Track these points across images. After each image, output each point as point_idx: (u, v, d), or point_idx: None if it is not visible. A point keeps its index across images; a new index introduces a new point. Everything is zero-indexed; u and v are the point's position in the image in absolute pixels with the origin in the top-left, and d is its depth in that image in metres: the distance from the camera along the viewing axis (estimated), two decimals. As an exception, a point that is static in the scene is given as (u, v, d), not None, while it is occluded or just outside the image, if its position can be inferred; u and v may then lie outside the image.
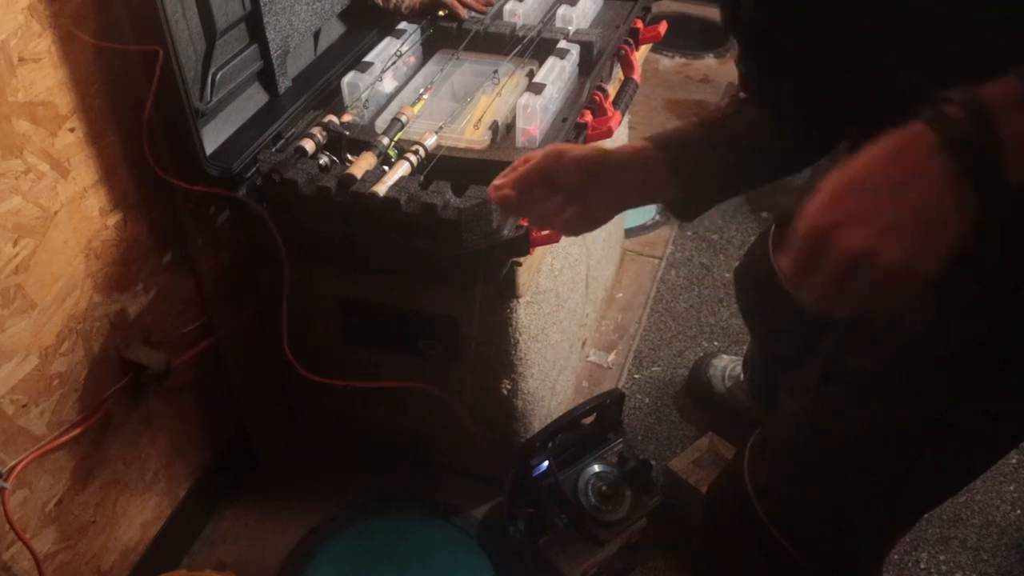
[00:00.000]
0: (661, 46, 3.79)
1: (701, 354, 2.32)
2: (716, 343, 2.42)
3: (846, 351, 1.18)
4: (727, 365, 2.19)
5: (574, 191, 1.15)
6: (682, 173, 1.18)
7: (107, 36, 1.39)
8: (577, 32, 1.84)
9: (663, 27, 2.03)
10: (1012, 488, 2.11)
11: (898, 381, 1.12)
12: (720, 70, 3.68)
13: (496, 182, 1.17)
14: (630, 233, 2.74)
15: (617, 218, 2.25)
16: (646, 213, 2.87)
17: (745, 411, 2.09)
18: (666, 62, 3.77)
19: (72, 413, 1.51)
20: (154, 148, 1.49)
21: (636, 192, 1.19)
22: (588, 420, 1.83)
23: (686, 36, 3.92)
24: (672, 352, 2.39)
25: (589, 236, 2.09)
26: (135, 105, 1.46)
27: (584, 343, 2.29)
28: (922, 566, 1.92)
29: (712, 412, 2.17)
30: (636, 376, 2.32)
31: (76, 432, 1.50)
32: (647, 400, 2.25)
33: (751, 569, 1.29)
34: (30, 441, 1.43)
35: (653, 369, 2.34)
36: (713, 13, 3.96)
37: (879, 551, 1.30)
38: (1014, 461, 2.17)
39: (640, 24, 1.99)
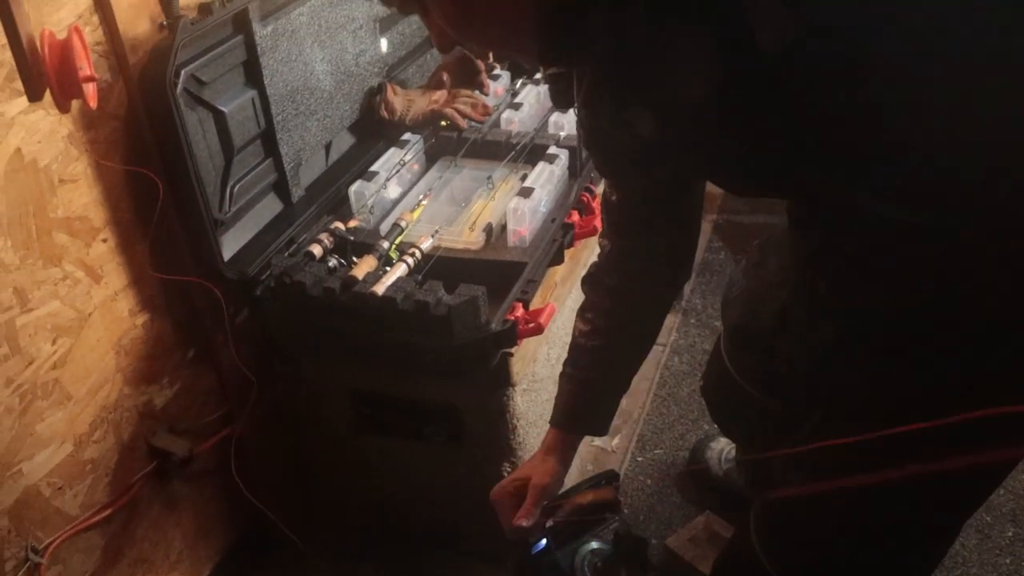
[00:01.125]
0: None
1: (701, 436, 2.42)
2: (717, 426, 2.51)
3: (825, 435, 1.24)
4: (724, 448, 2.28)
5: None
6: (583, 430, 1.58)
7: (134, 160, 1.56)
8: (567, 137, 2.00)
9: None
10: (1008, 561, 2.17)
11: (882, 445, 1.17)
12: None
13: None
14: (635, 321, 2.85)
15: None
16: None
17: (740, 491, 2.18)
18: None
19: (103, 496, 1.64)
20: (177, 254, 1.65)
21: (557, 474, 1.57)
22: (585, 501, 1.93)
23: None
24: (674, 435, 2.49)
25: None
26: (161, 217, 1.62)
27: (588, 428, 2.39)
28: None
29: (710, 493, 2.26)
30: (639, 459, 2.42)
31: (106, 513, 1.64)
32: (649, 481, 2.35)
33: None
34: (64, 521, 1.57)
35: (656, 452, 2.44)
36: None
37: None
38: (1010, 534, 2.24)
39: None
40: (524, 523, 1.51)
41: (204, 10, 1.58)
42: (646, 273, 1.44)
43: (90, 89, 1.29)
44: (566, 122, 2.06)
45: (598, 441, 2.44)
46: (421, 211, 1.80)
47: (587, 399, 1.52)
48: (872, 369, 1.21)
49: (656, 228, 1.39)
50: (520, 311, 1.57)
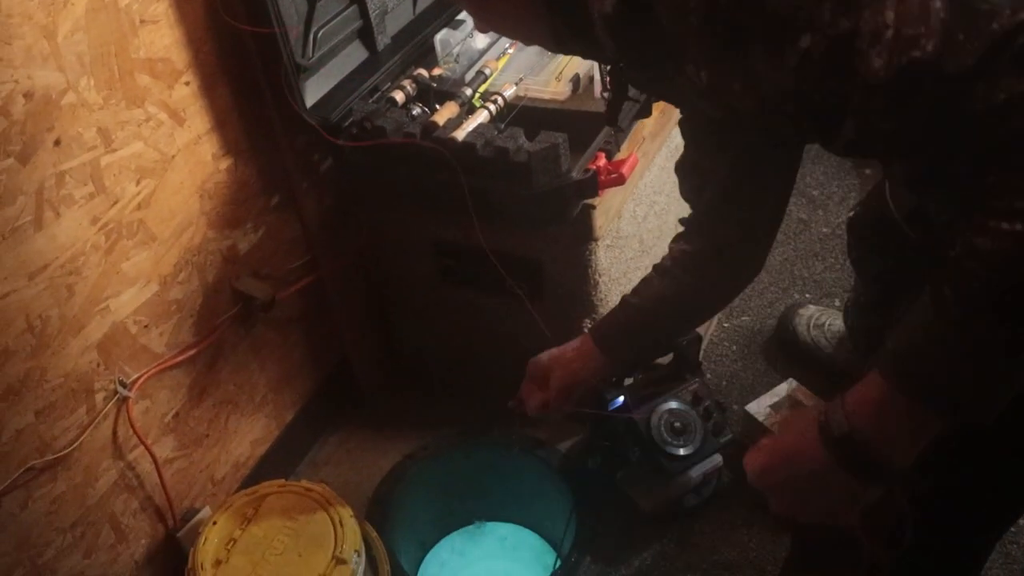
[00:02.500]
0: None
1: (790, 303, 2.37)
2: (808, 295, 2.46)
3: None
4: (813, 314, 2.24)
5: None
6: (613, 355, 1.57)
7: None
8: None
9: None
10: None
11: None
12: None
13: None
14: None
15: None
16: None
17: (827, 359, 2.14)
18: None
19: (188, 336, 1.68)
20: (261, 99, 1.65)
21: (578, 381, 1.59)
22: (666, 361, 1.91)
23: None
24: (763, 303, 2.45)
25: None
26: (245, 60, 1.61)
27: (674, 291, 2.36)
28: None
29: (796, 360, 2.23)
30: (725, 325, 2.39)
31: (191, 353, 1.68)
32: (734, 348, 2.32)
33: None
34: (151, 358, 1.61)
35: (743, 319, 2.40)
36: None
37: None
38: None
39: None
40: (529, 412, 1.61)
41: None
42: (713, 269, 1.44)
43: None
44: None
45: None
46: (507, 60, 1.76)
47: (625, 326, 1.54)
48: None
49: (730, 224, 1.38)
50: (603, 161, 1.53)
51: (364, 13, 1.81)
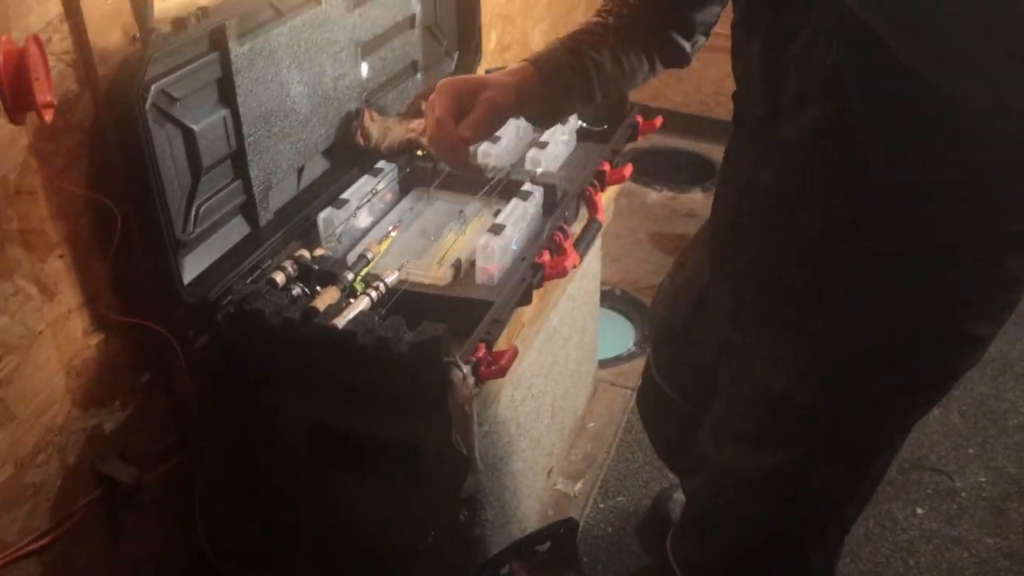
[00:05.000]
0: (649, 179, 3.94)
1: (666, 485, 2.38)
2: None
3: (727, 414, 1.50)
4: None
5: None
6: (548, 84, 1.36)
7: (97, 176, 1.52)
8: (543, 174, 1.97)
9: (628, 170, 2.14)
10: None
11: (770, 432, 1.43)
12: (706, 204, 3.81)
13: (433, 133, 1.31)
14: (604, 364, 2.82)
15: (590, 349, 2.37)
16: (621, 344, 2.96)
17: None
18: (653, 195, 3.90)
19: (43, 522, 1.58)
20: (137, 275, 1.61)
21: (511, 103, 1.33)
22: (543, 548, 1.89)
23: (674, 170, 4.07)
24: (638, 483, 2.45)
25: (556, 367, 2.18)
26: (123, 234, 1.57)
27: (551, 471, 2.35)
28: None
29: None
30: (601, 505, 2.38)
31: (45, 541, 1.57)
32: (610, 530, 2.31)
33: None
34: (0, 547, 1.50)
35: (618, 499, 2.40)
36: (701, 148, 4.12)
37: None
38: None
39: (608, 167, 2.10)
40: (467, 134, 1.28)
41: (179, 24, 1.54)
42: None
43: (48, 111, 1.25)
44: (543, 158, 2.03)
45: (560, 485, 2.40)
46: (390, 243, 1.76)
47: (565, 58, 1.39)
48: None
49: None
50: (483, 352, 1.53)
51: (248, 188, 1.80)
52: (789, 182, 1.31)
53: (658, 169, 4.02)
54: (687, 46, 1.48)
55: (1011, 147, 1.13)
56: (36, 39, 1.22)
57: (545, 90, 1.36)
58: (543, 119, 1.47)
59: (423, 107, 2.11)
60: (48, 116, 1.25)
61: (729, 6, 1.39)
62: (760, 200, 1.35)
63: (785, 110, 1.26)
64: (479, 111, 1.28)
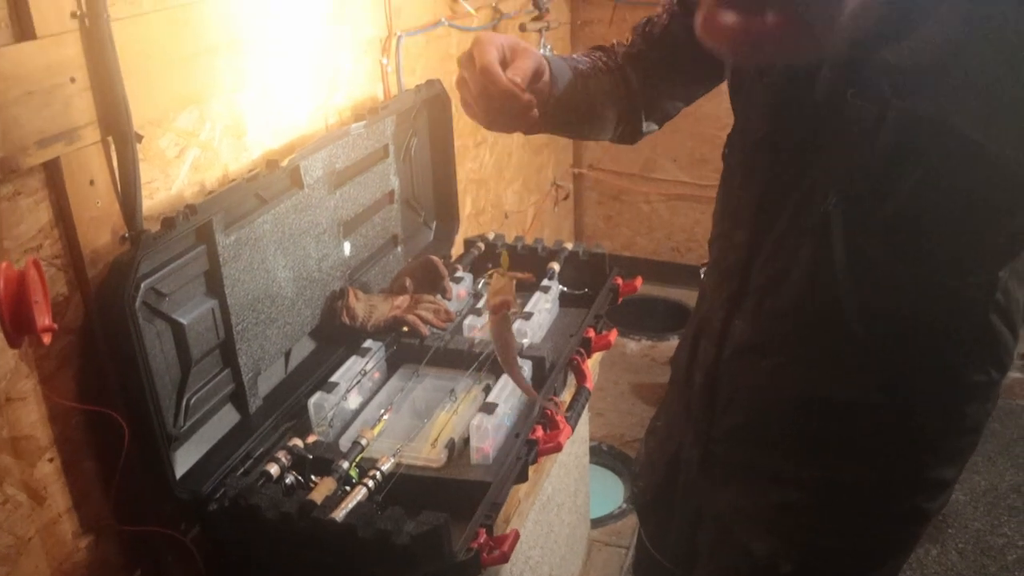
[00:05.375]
0: (627, 329, 3.97)
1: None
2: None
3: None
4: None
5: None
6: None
7: (88, 375, 1.52)
8: (530, 347, 1.98)
9: (613, 335, 2.17)
10: None
11: None
12: (684, 352, 3.83)
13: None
14: (597, 523, 2.80)
15: (582, 511, 2.34)
16: (612, 501, 2.94)
17: None
18: (632, 345, 3.94)
19: None
20: (129, 471, 1.59)
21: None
22: None
23: (652, 318, 4.11)
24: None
25: (552, 535, 2.16)
26: (114, 433, 1.56)
27: (550, 641, 2.30)
28: None
29: None
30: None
31: None
32: None
33: None
34: None
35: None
36: (677, 295, 4.18)
37: None
38: None
39: (592, 333, 2.13)
40: (518, 79, 1.17)
41: (167, 223, 1.57)
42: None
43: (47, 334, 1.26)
44: (528, 330, 2.05)
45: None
46: (382, 426, 1.76)
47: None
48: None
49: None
50: (484, 537, 1.52)
51: (237, 376, 1.80)
52: (768, 333, 1.34)
53: (634, 318, 4.06)
54: (643, 126, 1.51)
55: (975, 311, 1.23)
56: (36, 263, 1.24)
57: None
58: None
59: (406, 283, 2.14)
60: (47, 339, 1.26)
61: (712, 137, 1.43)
62: (737, 351, 1.38)
63: (767, 256, 1.30)
64: (524, 59, 1.19)
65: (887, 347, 1.25)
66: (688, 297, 4.12)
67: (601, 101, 1.44)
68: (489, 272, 1.37)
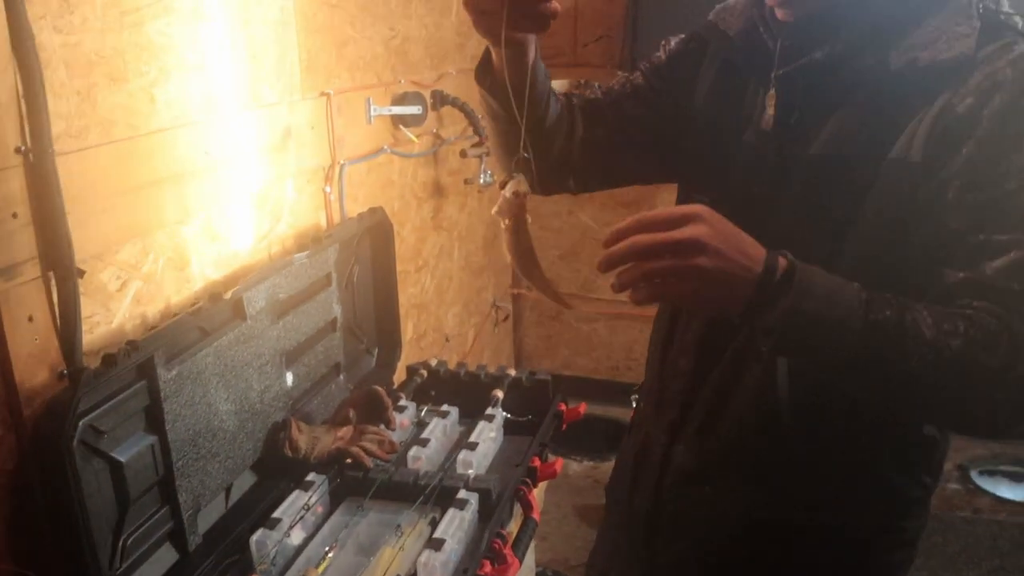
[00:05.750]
0: (568, 450, 3.95)
1: None
2: None
3: None
4: None
5: None
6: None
7: (19, 522, 1.46)
8: (476, 479, 1.96)
9: (559, 464, 2.15)
10: None
11: None
12: (626, 473, 3.81)
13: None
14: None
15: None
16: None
17: None
18: (574, 466, 3.91)
19: None
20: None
21: None
22: None
23: (593, 438, 4.09)
24: None
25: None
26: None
27: None
28: None
29: None
30: None
31: None
32: None
33: None
34: None
35: None
36: (618, 413, 4.18)
37: None
38: None
39: (538, 462, 2.11)
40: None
41: (108, 360, 1.54)
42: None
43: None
44: (474, 460, 2.03)
45: None
46: (327, 564, 1.71)
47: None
48: None
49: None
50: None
51: (176, 513, 1.76)
52: (711, 458, 1.35)
53: (575, 438, 4.04)
54: (562, 176, 1.50)
55: (910, 423, 1.29)
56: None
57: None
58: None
59: (350, 414, 2.11)
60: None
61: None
62: (680, 478, 1.38)
63: (711, 384, 1.31)
64: None
65: (828, 467, 1.28)
66: (628, 415, 4.12)
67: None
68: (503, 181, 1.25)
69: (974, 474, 3.68)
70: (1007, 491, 3.63)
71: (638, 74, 1.50)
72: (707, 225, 0.99)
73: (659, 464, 1.41)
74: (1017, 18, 1.16)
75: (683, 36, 1.48)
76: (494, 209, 1.21)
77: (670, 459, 1.39)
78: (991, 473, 3.72)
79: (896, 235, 1.14)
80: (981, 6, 1.14)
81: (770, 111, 1.26)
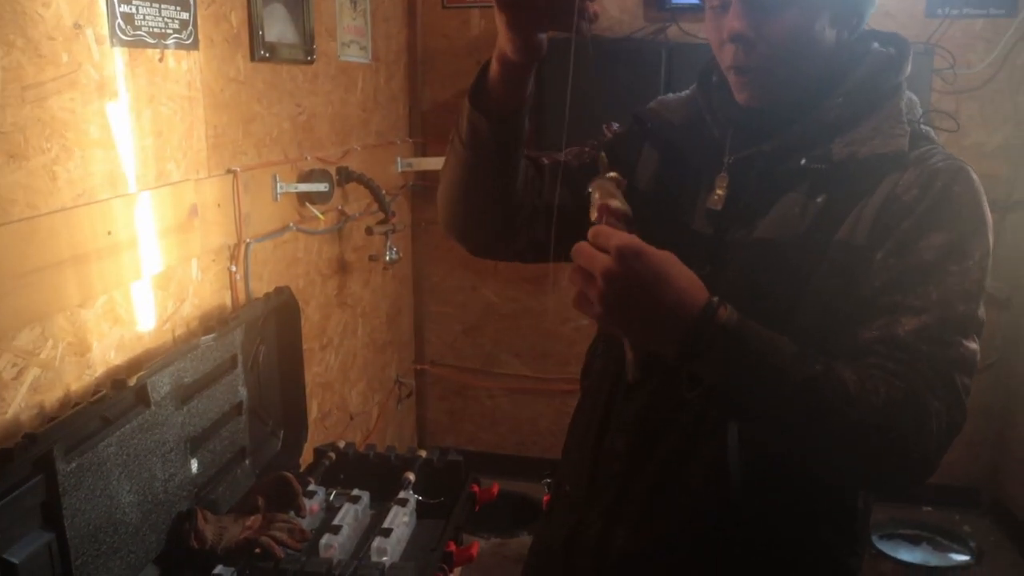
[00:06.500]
0: (476, 528, 3.88)
1: None
2: None
3: None
4: None
5: None
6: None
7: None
8: (392, 567, 1.90)
9: (475, 548, 2.11)
10: None
11: None
12: (534, 550, 3.76)
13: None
14: None
15: None
16: None
17: None
18: (481, 543, 3.84)
19: None
20: None
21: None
22: None
23: (500, 514, 4.03)
24: None
25: None
26: None
27: None
28: None
29: None
30: None
31: None
32: None
33: None
34: None
35: None
36: (524, 488, 4.14)
37: None
38: None
39: (453, 546, 2.06)
40: None
41: (4, 456, 1.46)
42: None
43: None
44: (388, 547, 1.97)
45: None
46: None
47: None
48: None
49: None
50: None
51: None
52: (655, 538, 1.33)
53: (482, 515, 3.97)
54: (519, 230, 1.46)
55: (843, 494, 1.33)
56: None
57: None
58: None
59: (258, 502, 2.04)
60: None
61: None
62: (621, 561, 1.35)
63: (656, 462, 1.29)
64: None
65: (778, 540, 1.29)
66: (535, 491, 4.08)
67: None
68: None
69: (875, 539, 3.73)
70: (906, 554, 3.68)
71: (589, 149, 1.50)
72: (629, 262, 1.03)
73: (595, 550, 1.37)
74: (930, 129, 1.29)
75: (626, 120, 1.50)
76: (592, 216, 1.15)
77: (609, 543, 1.36)
78: (890, 537, 3.77)
79: (835, 316, 1.19)
80: (907, 117, 1.25)
81: (720, 191, 1.31)
